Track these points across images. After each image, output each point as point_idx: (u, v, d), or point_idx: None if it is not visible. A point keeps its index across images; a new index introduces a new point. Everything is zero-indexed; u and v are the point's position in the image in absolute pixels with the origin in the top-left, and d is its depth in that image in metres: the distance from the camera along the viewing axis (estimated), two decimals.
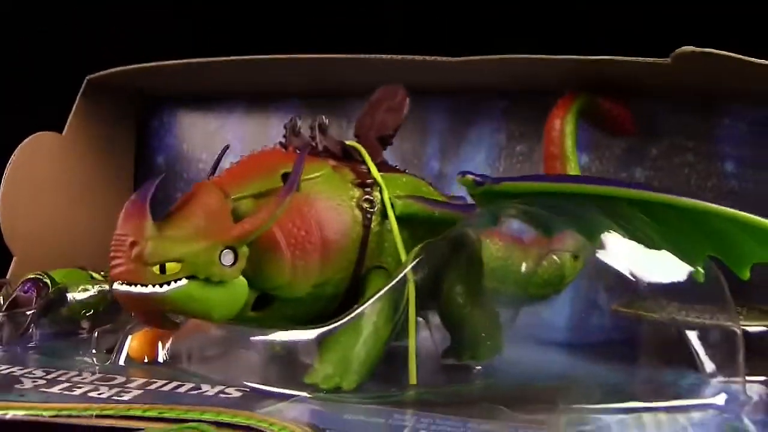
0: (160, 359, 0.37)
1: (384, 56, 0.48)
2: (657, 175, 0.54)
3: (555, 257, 0.45)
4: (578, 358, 0.44)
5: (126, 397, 0.32)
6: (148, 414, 0.30)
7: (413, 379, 0.34)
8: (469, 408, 0.31)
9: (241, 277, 0.32)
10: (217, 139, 0.62)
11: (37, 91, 0.62)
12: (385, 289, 0.34)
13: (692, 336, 0.38)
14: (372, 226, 0.36)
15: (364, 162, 0.38)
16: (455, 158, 0.58)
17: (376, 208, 0.36)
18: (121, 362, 0.37)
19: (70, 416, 0.29)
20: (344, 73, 0.53)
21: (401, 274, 0.34)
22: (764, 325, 0.42)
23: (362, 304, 0.34)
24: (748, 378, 0.39)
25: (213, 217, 0.32)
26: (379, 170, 0.38)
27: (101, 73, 0.55)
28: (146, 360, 0.37)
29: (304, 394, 0.32)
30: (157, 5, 0.63)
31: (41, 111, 0.59)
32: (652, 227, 0.35)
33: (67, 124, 0.55)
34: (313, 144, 0.37)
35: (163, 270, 0.31)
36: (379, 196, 0.37)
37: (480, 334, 0.39)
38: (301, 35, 0.63)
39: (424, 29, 0.59)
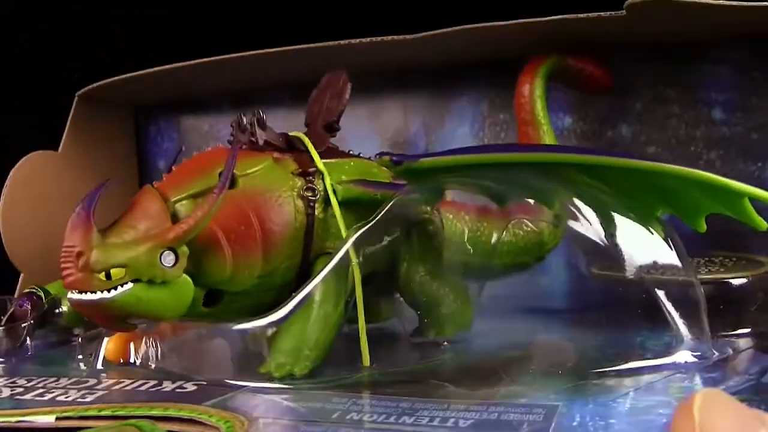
0: (132, 360, 0.39)
1: (357, 40, 0.49)
2: (644, 130, 0.53)
3: (532, 225, 0.45)
4: (546, 324, 0.44)
5: (89, 399, 0.33)
6: (103, 413, 0.31)
7: (366, 361, 0.35)
8: (413, 386, 0.32)
9: (185, 276, 0.33)
10: (212, 139, 0.64)
11: (26, 109, 0.64)
12: (326, 270, 0.34)
13: (659, 294, 0.38)
14: (316, 213, 0.36)
15: (308, 150, 0.39)
16: (440, 133, 0.58)
17: (318, 196, 0.37)
18: (99, 366, 0.39)
19: (33, 420, 0.31)
20: (328, 61, 0.54)
21: (339, 254, 0.34)
22: (745, 276, 0.41)
23: (307, 290, 0.35)
24: (736, 331, 0.39)
25: (152, 221, 0.33)
26: (327, 157, 0.39)
27: (90, 87, 0.57)
28: (121, 361, 0.39)
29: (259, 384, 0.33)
30: (140, 13, 0.64)
31: (31, 129, 0.61)
32: (602, 190, 0.35)
33: (62, 141, 0.57)
34: (253, 139, 0.38)
35: (108, 276, 0.32)
36: (323, 184, 0.37)
37: (444, 309, 0.40)
38: (285, 29, 0.63)
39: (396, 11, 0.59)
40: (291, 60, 0.53)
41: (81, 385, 0.36)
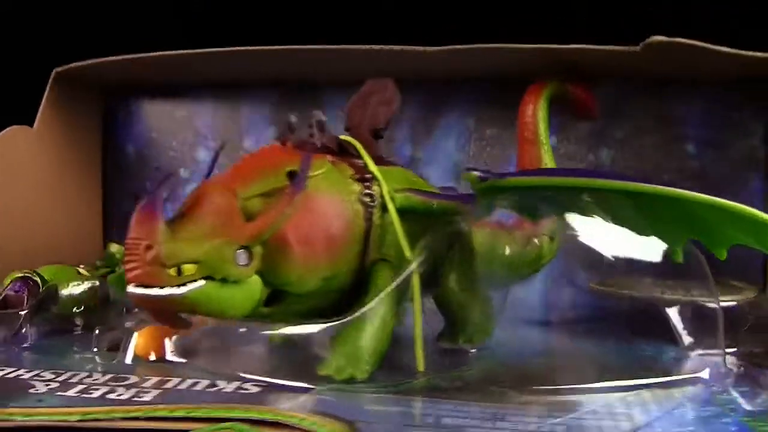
0: (168, 356, 0.37)
1: (354, 46, 0.49)
2: (623, 156, 0.57)
3: (535, 240, 0.48)
4: (560, 336, 0.46)
5: (146, 398, 0.32)
6: (175, 414, 0.30)
7: (421, 366, 0.36)
8: (477, 392, 0.33)
9: (255, 275, 0.33)
10: (187, 128, 0.62)
11: (4, 85, 0.60)
12: (394, 284, 0.35)
13: (672, 312, 0.41)
14: (373, 219, 0.37)
15: (359, 156, 0.39)
16: (427, 143, 0.59)
17: (376, 202, 0.37)
18: (128, 361, 0.38)
19: (96, 419, 0.30)
20: (316, 63, 0.54)
21: (409, 271, 0.35)
22: (734, 300, 0.45)
23: (371, 298, 0.35)
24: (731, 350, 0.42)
25: (225, 217, 0.32)
26: (374, 161, 0.39)
27: (70, 65, 0.54)
28: (153, 357, 0.38)
29: (320, 386, 0.33)
30: None
31: (10, 105, 0.57)
32: (639, 214, 0.37)
33: (38, 117, 0.54)
34: (312, 141, 0.38)
35: (179, 272, 0.31)
36: (378, 190, 0.38)
37: (474, 318, 0.41)
38: (272, 25, 0.63)
39: (396, 19, 0.60)
40: (280, 59, 0.53)
41: (123, 382, 0.34)
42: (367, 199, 0.37)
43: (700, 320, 0.39)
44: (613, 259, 0.39)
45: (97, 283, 0.45)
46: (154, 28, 0.59)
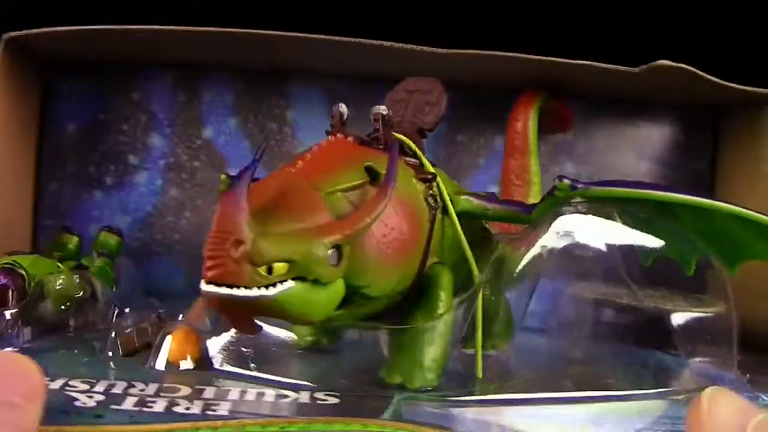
0: (212, 362, 0.34)
1: (324, 36, 0.47)
2: (584, 170, 0.59)
3: None
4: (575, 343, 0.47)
5: (221, 411, 0.29)
6: (269, 430, 0.27)
7: (479, 373, 0.35)
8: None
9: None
10: (142, 110, 0.57)
11: None
12: (465, 295, 0.35)
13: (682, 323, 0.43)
14: (435, 222, 0.36)
15: (413, 155, 0.37)
16: None
17: (438, 204, 0.36)
18: (160, 366, 0.34)
19: None
20: (280, 50, 0.51)
21: (478, 286, 0.35)
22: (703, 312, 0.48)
23: (435, 303, 0.35)
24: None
25: (315, 214, 0.30)
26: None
27: (21, 32, 0.47)
28: (188, 361, 0.34)
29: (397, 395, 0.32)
30: None
31: None
32: (670, 224, 0.39)
33: None
34: (375, 136, 0.36)
35: (269, 271, 0.28)
36: (438, 191, 0.36)
37: (500, 324, 0.41)
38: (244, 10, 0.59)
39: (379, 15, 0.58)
40: (246, 44, 0.50)
41: (177, 394, 0.30)
42: (431, 200, 0.36)
43: (712, 333, 0.41)
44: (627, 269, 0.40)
45: (83, 277, 0.40)
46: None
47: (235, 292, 0.28)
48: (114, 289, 0.44)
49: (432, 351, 0.34)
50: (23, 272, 0.37)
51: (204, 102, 0.57)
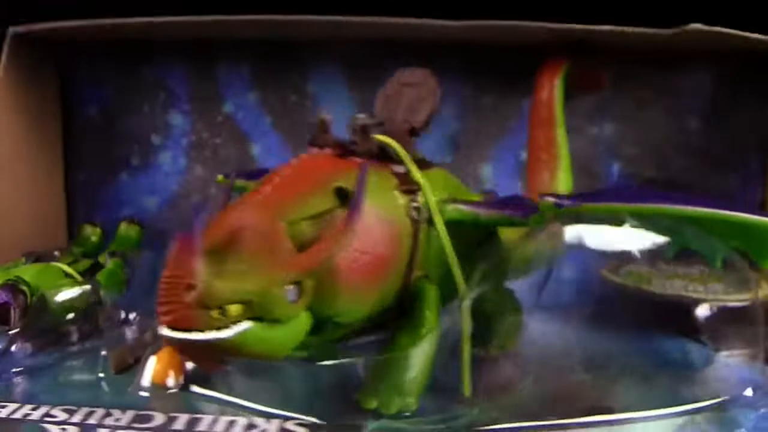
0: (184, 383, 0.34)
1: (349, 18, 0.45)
2: (628, 130, 0.55)
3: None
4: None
5: None
6: None
7: (467, 391, 0.34)
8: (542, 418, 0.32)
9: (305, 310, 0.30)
10: (160, 91, 0.56)
11: None
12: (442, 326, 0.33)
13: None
14: (420, 235, 0.34)
15: (399, 161, 0.35)
16: None
17: (423, 216, 0.34)
18: (145, 383, 0.34)
19: None
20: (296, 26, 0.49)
21: (464, 304, 0.33)
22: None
23: (418, 320, 0.33)
24: None
25: (273, 248, 0.29)
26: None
27: (27, 27, 0.47)
28: (171, 381, 0.34)
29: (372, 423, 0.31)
30: None
31: None
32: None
33: None
34: (353, 148, 0.34)
35: (223, 313, 0.28)
36: (425, 201, 0.34)
37: (505, 325, 0.39)
38: None
39: None
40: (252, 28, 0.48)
41: (150, 424, 0.31)
42: (415, 214, 0.34)
43: (735, 322, 0.38)
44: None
45: (89, 286, 0.40)
46: None
47: (190, 336, 0.27)
48: (123, 293, 0.44)
49: (412, 373, 0.32)
50: (25, 288, 0.38)
51: (221, 76, 0.56)
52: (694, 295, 0.42)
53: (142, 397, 0.34)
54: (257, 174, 0.40)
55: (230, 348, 0.28)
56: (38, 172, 0.52)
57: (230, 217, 0.30)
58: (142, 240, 0.50)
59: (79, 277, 0.42)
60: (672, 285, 0.43)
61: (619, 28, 0.43)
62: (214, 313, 0.27)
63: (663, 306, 0.43)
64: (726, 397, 0.35)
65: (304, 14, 0.45)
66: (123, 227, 0.49)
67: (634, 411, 0.33)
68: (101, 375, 0.35)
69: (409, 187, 0.34)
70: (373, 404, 0.32)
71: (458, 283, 0.34)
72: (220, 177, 0.43)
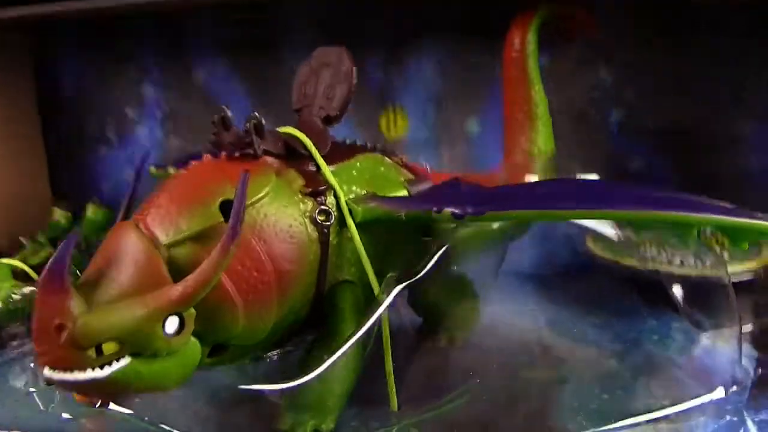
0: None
1: None
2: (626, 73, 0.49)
3: None
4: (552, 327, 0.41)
5: None
6: None
7: (394, 406, 0.32)
8: None
9: (193, 339, 0.28)
10: (141, 92, 0.54)
11: None
12: (359, 334, 0.30)
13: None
14: (330, 240, 0.31)
15: (310, 156, 0.32)
16: (402, 68, 0.52)
17: (333, 219, 0.31)
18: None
19: None
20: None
21: (379, 312, 0.30)
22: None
23: (334, 328, 0.31)
24: None
25: (146, 276, 0.27)
26: (331, 158, 0.33)
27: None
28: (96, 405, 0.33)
29: None
30: None
31: None
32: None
33: None
34: (250, 151, 0.31)
35: (99, 352, 0.26)
36: (335, 201, 0.32)
37: (457, 317, 0.37)
38: None
39: None
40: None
41: None
42: (322, 218, 0.31)
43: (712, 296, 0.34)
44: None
45: (34, 288, 0.40)
46: None
47: (67, 377, 0.26)
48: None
49: (329, 390, 0.30)
50: None
51: (191, 44, 0.53)
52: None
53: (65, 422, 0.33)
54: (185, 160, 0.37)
55: (111, 385, 0.27)
56: (21, 157, 0.52)
57: (110, 243, 0.28)
58: (109, 223, 0.49)
59: (32, 273, 0.41)
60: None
61: None
62: (90, 352, 0.26)
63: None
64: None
65: None
66: (91, 210, 0.48)
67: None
68: (32, 389, 0.35)
69: (318, 188, 0.31)
70: (287, 424, 0.31)
71: (374, 288, 0.31)
72: (152, 169, 0.41)
